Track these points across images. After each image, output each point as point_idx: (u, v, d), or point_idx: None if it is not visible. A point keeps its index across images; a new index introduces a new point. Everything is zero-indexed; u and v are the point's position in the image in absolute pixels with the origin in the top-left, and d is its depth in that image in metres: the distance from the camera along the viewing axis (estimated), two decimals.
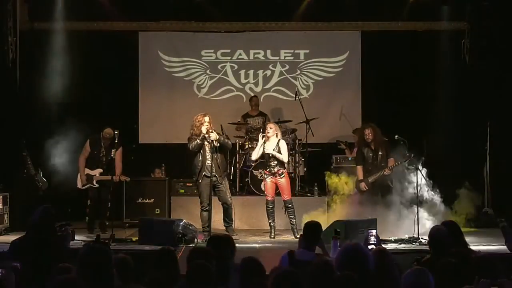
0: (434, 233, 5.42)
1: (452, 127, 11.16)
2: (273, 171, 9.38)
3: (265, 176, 9.51)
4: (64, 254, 5.23)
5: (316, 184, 10.85)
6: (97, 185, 9.94)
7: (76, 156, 10.11)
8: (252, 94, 12.05)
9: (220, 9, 11.67)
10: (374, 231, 8.08)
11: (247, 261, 4.40)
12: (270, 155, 9.36)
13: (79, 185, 10.01)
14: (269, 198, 9.49)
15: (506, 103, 10.77)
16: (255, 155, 9.59)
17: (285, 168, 9.50)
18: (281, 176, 9.37)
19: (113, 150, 9.53)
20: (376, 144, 9.74)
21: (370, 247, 6.53)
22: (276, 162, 9.35)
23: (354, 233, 8.02)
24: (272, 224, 9.49)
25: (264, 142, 9.41)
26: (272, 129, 9.44)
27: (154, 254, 4.78)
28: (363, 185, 9.78)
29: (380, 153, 9.77)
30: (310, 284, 4.10)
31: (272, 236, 9.41)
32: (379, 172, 9.67)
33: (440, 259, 4.80)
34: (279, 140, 9.42)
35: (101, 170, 9.97)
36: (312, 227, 5.85)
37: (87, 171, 9.96)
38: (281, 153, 9.33)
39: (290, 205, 9.43)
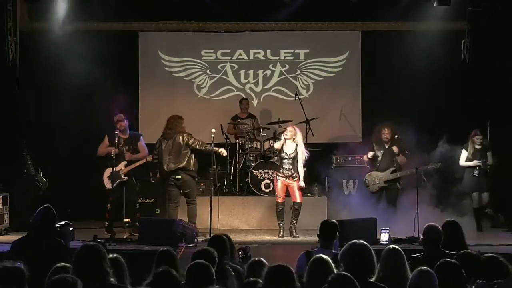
0: (428, 230, 5.45)
1: (452, 126, 11.17)
2: (286, 174, 9.41)
3: (277, 178, 9.53)
4: (64, 254, 5.23)
5: (316, 184, 10.85)
6: (126, 178, 9.64)
7: (77, 156, 10.10)
8: (252, 94, 12.09)
9: (220, 9, 11.66)
10: (387, 231, 8.15)
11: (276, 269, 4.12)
12: (286, 157, 9.39)
13: (108, 185, 9.65)
14: (279, 200, 9.53)
15: (506, 102, 10.77)
16: (277, 145, 9.71)
17: (297, 173, 9.46)
18: (294, 179, 9.39)
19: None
20: (392, 144, 9.89)
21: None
22: (290, 166, 9.38)
23: (354, 232, 8.01)
24: (281, 225, 9.53)
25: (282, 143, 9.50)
26: (290, 133, 9.44)
27: (154, 254, 4.78)
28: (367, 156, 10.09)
29: (394, 152, 9.92)
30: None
31: (281, 235, 9.44)
32: (405, 171, 9.79)
33: (432, 256, 4.83)
34: (297, 145, 9.42)
35: (125, 162, 9.71)
36: (329, 226, 5.89)
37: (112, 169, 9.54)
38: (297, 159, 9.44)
39: (298, 207, 9.46)
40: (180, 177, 9.31)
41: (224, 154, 9.58)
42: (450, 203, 10.01)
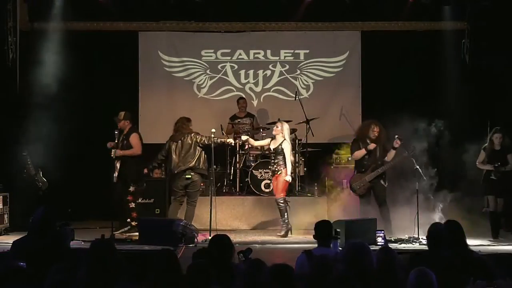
0: (432, 228, 5.45)
1: (452, 127, 11.16)
2: (272, 169, 9.57)
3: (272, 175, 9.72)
4: (63, 254, 5.23)
5: (316, 184, 10.85)
6: (115, 175, 9.55)
7: (78, 155, 10.06)
8: (252, 94, 12.10)
9: (220, 9, 11.66)
10: (382, 233, 8.13)
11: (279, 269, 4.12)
12: (272, 153, 9.51)
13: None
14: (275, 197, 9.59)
15: (506, 102, 10.78)
16: (256, 143, 10.04)
17: (285, 168, 9.46)
18: (278, 173, 9.43)
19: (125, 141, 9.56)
20: (377, 143, 9.61)
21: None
22: (276, 160, 9.45)
23: (354, 232, 8.02)
24: (285, 222, 9.52)
25: (271, 139, 9.62)
26: (278, 128, 9.54)
27: (154, 254, 4.78)
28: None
29: (378, 151, 9.61)
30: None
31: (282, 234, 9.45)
32: (383, 166, 9.46)
33: (435, 255, 4.84)
34: (283, 140, 9.48)
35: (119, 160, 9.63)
36: (325, 225, 5.92)
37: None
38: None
39: (280, 203, 9.45)
40: (190, 176, 9.34)
41: (232, 143, 9.81)
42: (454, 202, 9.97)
